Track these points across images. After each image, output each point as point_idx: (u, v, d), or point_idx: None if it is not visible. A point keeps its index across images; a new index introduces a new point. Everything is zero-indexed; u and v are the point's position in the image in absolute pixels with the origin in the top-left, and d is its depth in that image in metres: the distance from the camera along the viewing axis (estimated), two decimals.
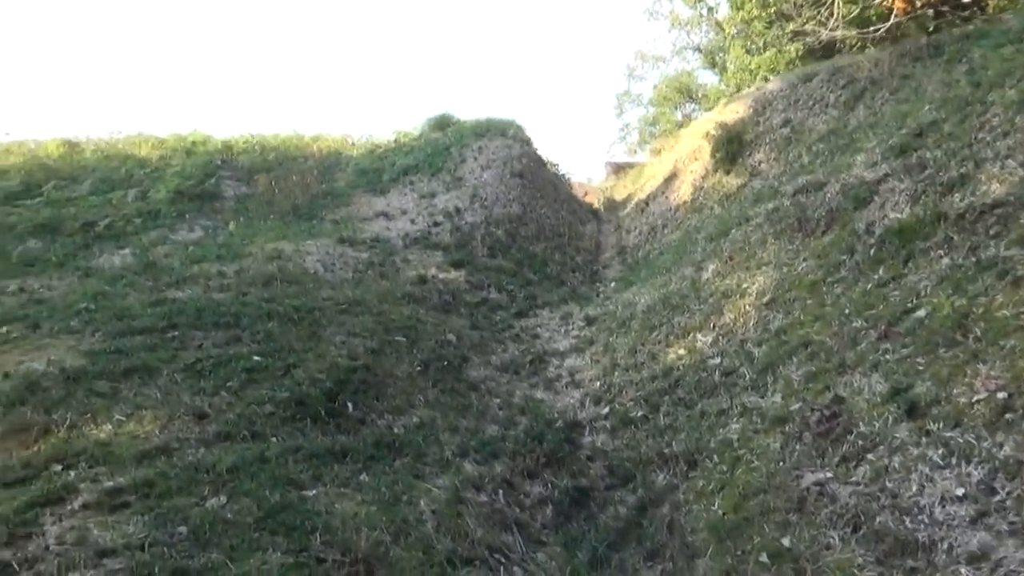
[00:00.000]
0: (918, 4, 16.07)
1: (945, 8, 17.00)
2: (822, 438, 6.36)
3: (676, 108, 45.51)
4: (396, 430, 7.48)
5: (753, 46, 36.63)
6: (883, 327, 7.07)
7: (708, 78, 41.50)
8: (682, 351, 9.24)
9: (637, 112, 46.34)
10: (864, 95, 13.72)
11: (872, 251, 8.42)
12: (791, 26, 22.88)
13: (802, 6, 23.20)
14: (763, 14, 25.12)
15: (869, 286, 7.91)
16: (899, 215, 8.64)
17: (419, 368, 9.07)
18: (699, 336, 9.31)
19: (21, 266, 11.94)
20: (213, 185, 17.73)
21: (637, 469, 7.51)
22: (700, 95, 44.24)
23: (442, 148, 19.72)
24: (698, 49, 42.50)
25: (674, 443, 7.65)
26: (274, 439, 6.74)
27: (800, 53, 25.31)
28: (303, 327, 9.30)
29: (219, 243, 13.68)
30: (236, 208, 16.90)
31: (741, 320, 9.05)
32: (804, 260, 9.40)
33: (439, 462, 7.01)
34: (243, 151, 20.89)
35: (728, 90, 37.27)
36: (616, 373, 9.57)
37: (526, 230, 16.04)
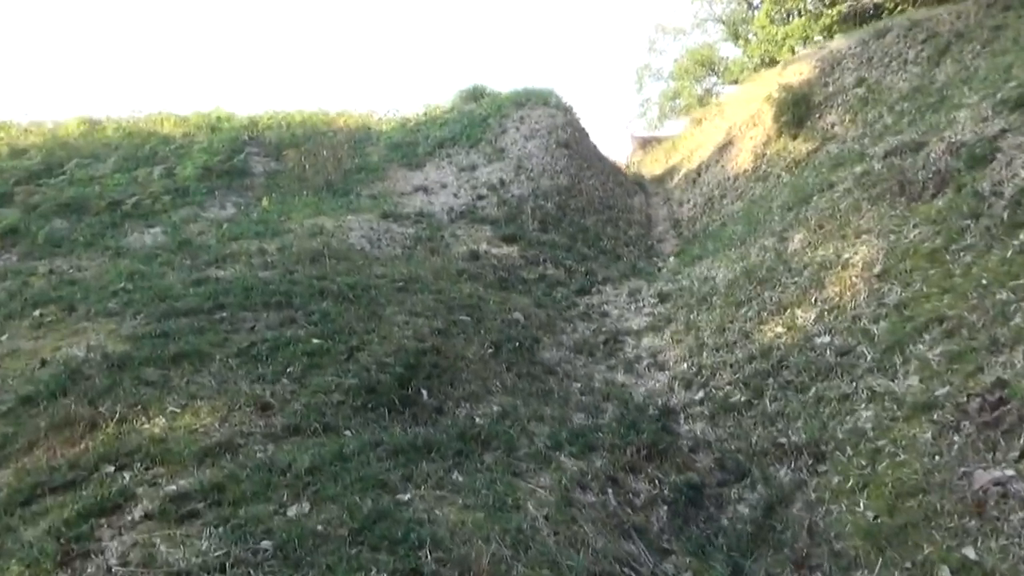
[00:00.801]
0: None
1: None
2: (989, 428, 5.43)
3: (698, 82, 44.37)
4: (478, 420, 6.62)
5: (777, 15, 35.48)
6: None
7: (730, 51, 40.18)
8: (780, 329, 8.32)
9: (658, 86, 45.23)
10: (950, 49, 12.63)
11: (1006, 214, 7.42)
12: None
13: None
14: None
15: (1009, 253, 6.94)
16: None
17: (490, 350, 8.21)
18: (799, 312, 8.37)
19: (48, 246, 11.17)
20: (242, 161, 16.90)
21: (751, 462, 6.63)
22: (722, 68, 43.03)
23: (479, 119, 18.75)
24: (720, 20, 41.26)
25: (791, 432, 6.76)
26: (348, 432, 5.92)
27: (836, 19, 24.18)
28: (361, 306, 8.46)
29: (254, 219, 12.85)
30: (267, 184, 16.08)
31: (849, 294, 8.09)
32: (915, 227, 8.41)
33: (533, 456, 6.16)
34: (268, 127, 20.04)
35: (751, 62, 36.11)
36: (704, 354, 8.67)
37: (576, 203, 15.10)
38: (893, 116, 12.10)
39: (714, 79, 44.35)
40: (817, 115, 14.08)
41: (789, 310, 8.52)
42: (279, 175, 16.59)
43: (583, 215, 14.89)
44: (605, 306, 10.71)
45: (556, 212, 14.48)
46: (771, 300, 8.91)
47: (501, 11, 77.81)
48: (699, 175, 17.52)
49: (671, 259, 14.01)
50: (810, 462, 6.33)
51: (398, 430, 6.09)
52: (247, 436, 5.68)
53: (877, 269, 8.13)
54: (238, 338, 7.44)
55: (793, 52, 32.36)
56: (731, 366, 8.22)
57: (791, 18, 34.61)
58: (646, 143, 36.81)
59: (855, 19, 24.10)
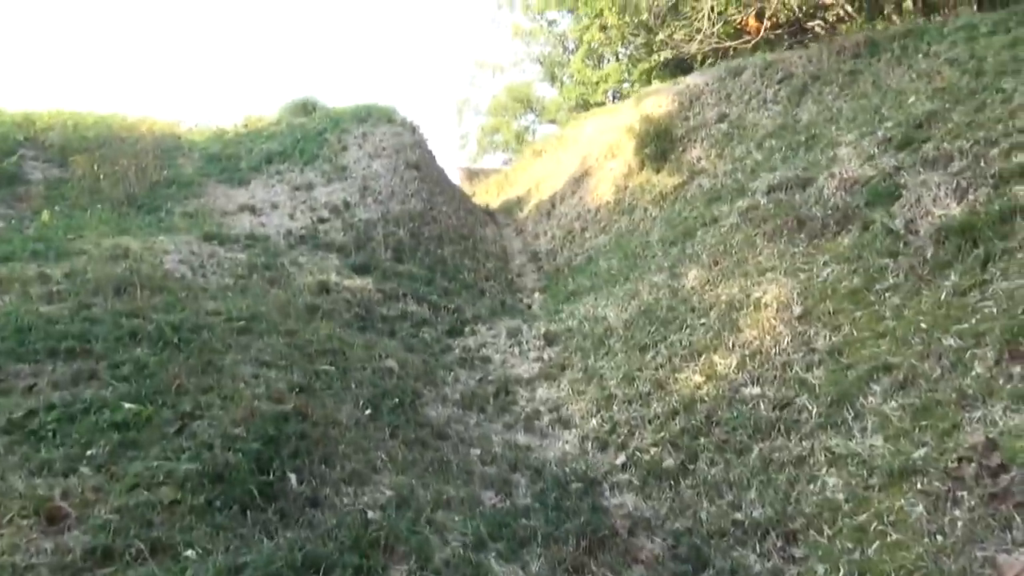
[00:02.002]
0: (767, 24, 17.83)
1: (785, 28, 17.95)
2: (997, 501, 4.64)
3: (516, 118, 45.31)
4: (372, 515, 4.89)
5: (592, 60, 36.81)
6: (1002, 346, 5.53)
7: (546, 91, 41.39)
8: (699, 377, 7.35)
9: (477, 120, 45.95)
10: (808, 90, 12.76)
11: (928, 253, 6.99)
12: (660, 36, 22.51)
13: (664, 19, 22.96)
14: (625, 24, 24.47)
15: (943, 295, 6.42)
16: (948, 211, 7.30)
17: (367, 411, 6.47)
18: (716, 358, 7.46)
19: None
20: (13, 165, 13.71)
21: (708, 546, 5.47)
22: (540, 107, 44.19)
23: (313, 134, 16.73)
24: (538, 61, 42.32)
25: (746, 505, 5.71)
26: (190, 552, 3.99)
27: (657, 64, 25.03)
28: (191, 354, 6.38)
29: (30, 236, 10.06)
30: (47, 194, 13.13)
31: (769, 338, 7.31)
32: (825, 265, 7.87)
33: (455, 564, 4.55)
34: (49, 128, 16.62)
35: (567, 103, 37.18)
36: (615, 407, 7.50)
37: (430, 230, 13.61)
38: (763, 152, 11.90)
39: (532, 116, 45.44)
40: (681, 148, 13.74)
41: (705, 355, 7.59)
42: (64, 184, 13.60)
43: (439, 244, 13.42)
44: (484, 350, 9.27)
45: (410, 240, 12.88)
46: (680, 344, 7.95)
47: (326, 28, 74.66)
48: (553, 206, 16.71)
49: (536, 295, 12.91)
50: (780, 544, 5.28)
51: (264, 542, 4.23)
52: (24, 571, 3.59)
53: (797, 310, 7.43)
54: (7, 404, 5.15)
55: (607, 96, 33.71)
56: (650, 422, 7.10)
57: (604, 63, 36.08)
58: (472, 175, 36.12)
59: (671, 68, 25.07)
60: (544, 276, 14.01)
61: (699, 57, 22.01)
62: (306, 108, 19.50)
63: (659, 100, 15.58)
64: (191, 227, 11.68)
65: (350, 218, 12.98)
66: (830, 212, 8.77)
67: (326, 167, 15.02)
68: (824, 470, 5.63)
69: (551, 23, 39.62)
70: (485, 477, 6.12)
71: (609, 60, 35.91)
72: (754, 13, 20.58)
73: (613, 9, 23.81)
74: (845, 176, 9.15)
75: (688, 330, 8.13)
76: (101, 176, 14.38)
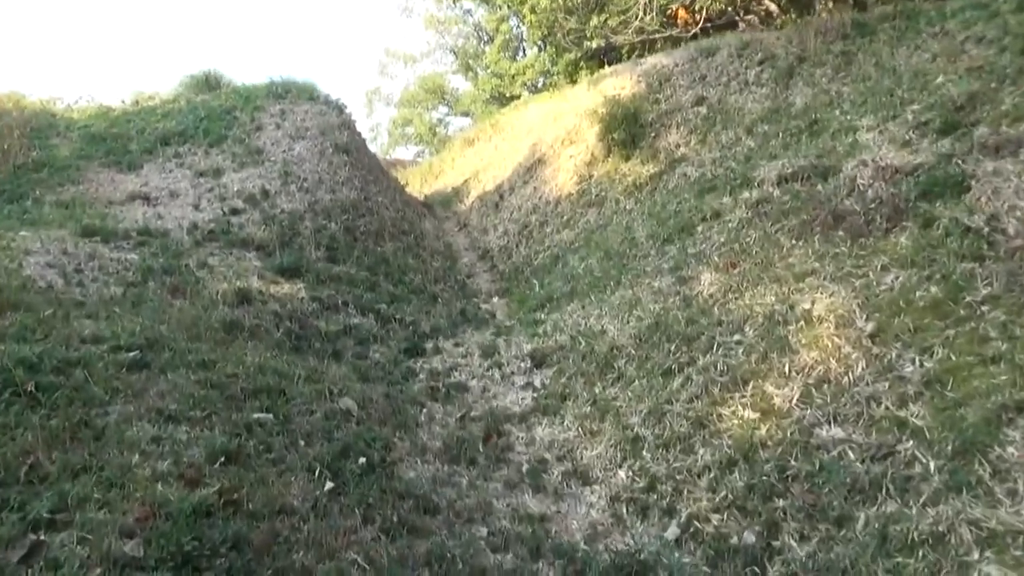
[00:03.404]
0: (697, 18, 17.58)
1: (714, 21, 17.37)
2: None
3: (428, 110, 43.84)
4: None
5: (508, 53, 35.36)
6: None
7: (460, 83, 39.96)
8: (751, 413, 5.72)
9: (388, 112, 44.29)
10: (796, 73, 11.45)
11: None
12: (594, 22, 21.17)
13: (594, 9, 21.72)
14: (557, 7, 23.00)
15: None
16: None
17: (326, 483, 4.47)
18: (769, 387, 5.84)
19: None
20: None
21: None
22: (453, 99, 42.71)
23: (220, 112, 14.27)
24: (452, 51, 40.79)
25: None
26: None
27: (583, 55, 23.69)
28: (56, 409, 4.22)
29: None
30: None
31: (836, 362, 5.75)
32: (885, 270, 6.41)
33: None
34: None
35: (482, 95, 35.69)
36: (645, 453, 5.77)
37: (367, 224, 11.51)
38: (755, 138, 10.48)
39: (445, 109, 43.86)
40: (652, 134, 12.18)
41: (753, 383, 5.96)
42: None
43: (379, 241, 11.35)
44: (456, 374, 7.35)
45: (345, 236, 10.77)
46: (716, 368, 6.30)
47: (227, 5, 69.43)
48: (501, 198, 14.87)
49: (495, 300, 11.06)
50: None
51: None
52: None
53: (866, 327, 5.90)
54: None
55: (524, 88, 32.31)
56: (700, 476, 5.40)
57: (520, 55, 34.68)
58: (389, 165, 34.02)
59: (597, 59, 23.75)
60: (500, 277, 12.18)
61: (625, 49, 20.88)
62: (209, 83, 16.90)
63: (620, 82, 14.00)
64: (65, 219, 9.22)
65: (270, 209, 10.75)
66: (872, 206, 7.35)
67: (237, 149, 12.66)
68: (976, 554, 4.07)
69: (466, 12, 38.00)
70: (502, 572, 4.26)
71: (526, 52, 34.61)
72: (684, 4, 19.77)
73: None
74: (881, 164, 7.76)
75: (721, 350, 6.48)
76: None
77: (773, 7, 17.27)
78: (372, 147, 30.93)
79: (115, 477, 3.79)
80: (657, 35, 19.44)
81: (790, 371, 5.92)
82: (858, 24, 11.85)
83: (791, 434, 5.37)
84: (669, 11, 19.94)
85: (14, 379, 4.37)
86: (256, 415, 5.00)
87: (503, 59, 33.82)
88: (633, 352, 6.96)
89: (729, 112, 11.44)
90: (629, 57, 19.29)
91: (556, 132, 14.62)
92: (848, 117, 9.47)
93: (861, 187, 7.68)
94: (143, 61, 65.42)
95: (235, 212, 10.55)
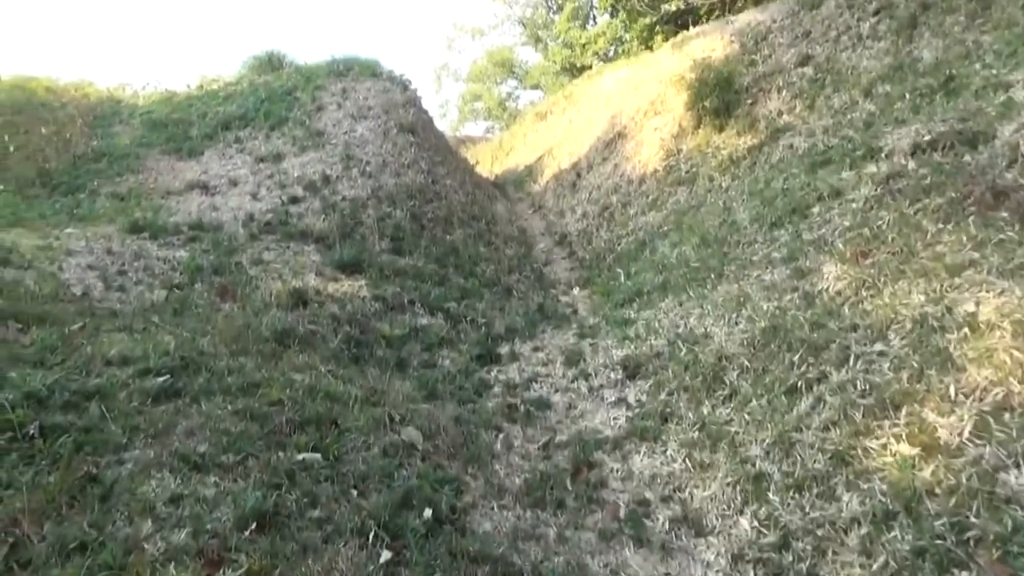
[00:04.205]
0: None
1: None
2: None
3: (498, 84, 43.06)
4: None
5: (578, 21, 33.79)
6: None
7: (530, 55, 38.77)
8: (908, 448, 4.54)
9: (456, 87, 43.74)
10: (920, 23, 9.87)
11: None
12: None
13: None
14: None
15: None
16: None
17: (385, 555, 3.59)
18: (930, 414, 4.64)
19: None
20: None
21: None
22: (522, 72, 41.71)
23: (281, 93, 13.61)
24: (520, 23, 39.64)
25: None
26: None
27: (660, 18, 22.03)
28: (59, 460, 3.47)
29: None
30: None
31: (1021, 383, 4.51)
32: None
33: None
34: None
35: (553, 67, 34.30)
36: (772, 496, 4.69)
37: (434, 211, 10.63)
38: (875, 102, 9.04)
39: (514, 83, 42.94)
40: (749, 100, 10.83)
41: (906, 408, 4.76)
42: None
43: (447, 228, 10.46)
44: (535, 386, 6.39)
45: (411, 224, 9.91)
46: (855, 387, 5.12)
47: None
48: (579, 176, 13.76)
49: (576, 291, 10.03)
50: None
51: None
52: None
53: None
54: None
55: (595, 59, 30.79)
56: (845, 530, 4.29)
57: (591, 24, 33.11)
58: (459, 143, 33.25)
59: (673, 24, 22.04)
60: (580, 265, 11.14)
61: (704, 9, 19.21)
62: (272, 64, 16.34)
63: (709, 43, 12.61)
64: (117, 213, 8.66)
65: (331, 196, 9.98)
66: None
67: (298, 132, 11.95)
68: None
69: None
70: None
71: (596, 20, 33.11)
72: None
73: None
74: None
75: (860, 363, 5.29)
76: (11, 147, 11.27)
77: None
78: (441, 124, 30.12)
79: (116, 558, 2.99)
80: None
81: (956, 394, 4.70)
82: None
83: (967, 479, 4.18)
84: None
85: (13, 422, 3.62)
86: (302, 455, 4.16)
87: (573, 28, 32.61)
88: (746, 363, 5.83)
89: (841, 72, 9.98)
90: (708, 18, 17.80)
91: (637, 102, 13.36)
92: (994, 72, 7.98)
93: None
94: (213, 44, 66.33)
95: (294, 200, 9.82)
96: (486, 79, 42.18)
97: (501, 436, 5.38)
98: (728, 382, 5.74)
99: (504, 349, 7.23)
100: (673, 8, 20.78)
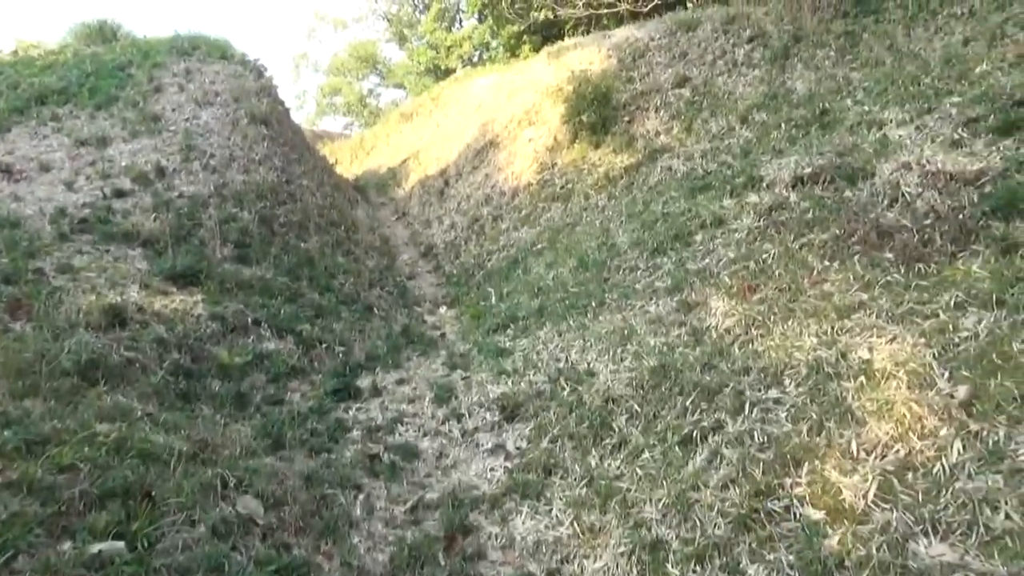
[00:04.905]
0: None
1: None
2: None
3: (359, 79, 42.12)
4: None
5: (444, 23, 33.44)
6: None
7: (394, 52, 38.05)
8: (814, 511, 4.18)
9: (316, 79, 42.32)
10: (793, 54, 10.00)
11: None
12: None
13: None
14: None
15: None
16: None
17: None
18: (832, 471, 4.32)
19: None
20: None
21: None
22: (386, 69, 40.99)
23: (113, 68, 11.93)
24: (385, 18, 38.85)
25: None
26: None
27: (525, 29, 21.99)
28: None
29: None
30: None
31: (921, 439, 4.28)
32: (962, 309, 4.99)
33: None
34: None
35: (417, 67, 33.74)
36: (672, 569, 4.17)
37: (288, 213, 9.52)
38: (752, 129, 9.00)
39: (377, 79, 42.04)
40: (627, 118, 10.57)
41: (807, 464, 4.43)
42: None
43: (301, 234, 9.39)
44: (401, 428, 5.58)
45: (260, 228, 8.78)
46: (751, 437, 4.75)
47: None
48: (447, 184, 13.03)
49: (444, 310, 9.30)
50: None
51: None
52: None
53: (958, 391, 4.43)
54: None
55: (459, 63, 30.49)
56: None
57: (457, 26, 32.79)
58: (316, 139, 31.74)
59: (541, 34, 22.04)
60: (447, 281, 10.42)
61: (569, 24, 19.29)
62: (104, 34, 14.46)
63: (586, 55, 12.31)
64: None
65: (166, 192, 8.66)
66: (928, 221, 5.93)
67: (129, 114, 10.42)
68: None
69: None
70: None
71: (463, 24, 32.80)
72: None
73: None
74: (930, 168, 6.36)
75: (757, 412, 4.93)
76: None
77: None
78: (297, 117, 28.34)
79: None
80: (605, 10, 18.07)
81: (858, 450, 4.41)
82: (858, 1, 10.50)
83: (877, 549, 3.85)
84: None
85: None
86: (98, 546, 3.15)
87: (439, 29, 32.09)
88: (636, 407, 5.34)
89: (718, 96, 9.92)
90: (575, 32, 17.78)
91: (511, 110, 12.85)
92: (866, 108, 8.08)
93: (907, 196, 6.27)
94: (37, 5, 59.48)
95: (120, 194, 8.43)
96: (347, 73, 40.87)
97: (361, 497, 4.54)
98: (617, 428, 5.22)
99: (365, 381, 6.36)
100: (542, 18, 20.58)
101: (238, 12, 62.10)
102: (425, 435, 5.51)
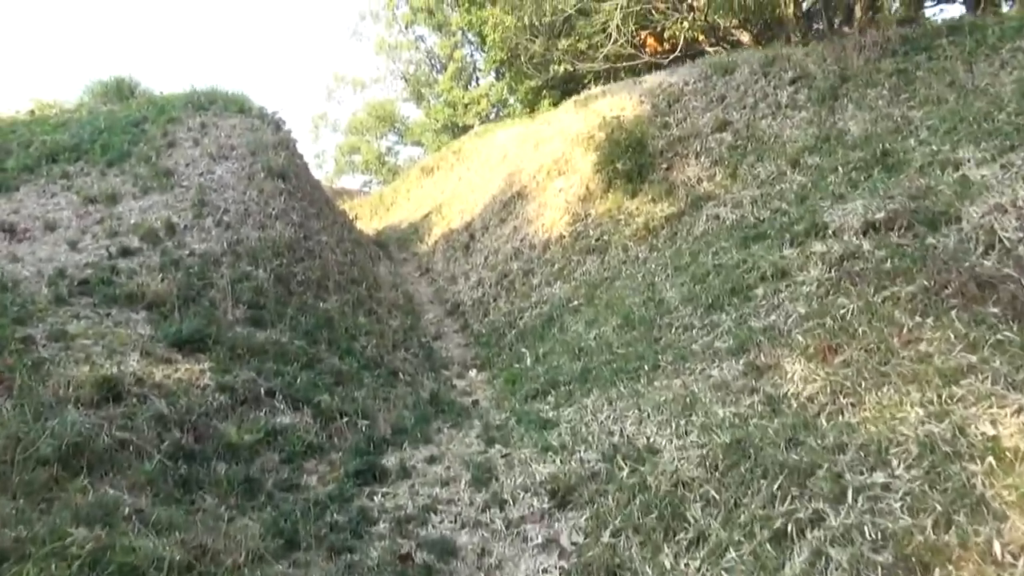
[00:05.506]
0: (667, 46, 16.89)
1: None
2: None
3: (377, 138, 42.27)
4: None
5: (462, 81, 33.58)
6: None
7: (411, 110, 38.26)
8: None
9: (335, 138, 42.48)
10: (842, 94, 9.38)
11: None
12: (562, 45, 19.27)
13: (560, 32, 19.96)
14: (522, 28, 21.04)
15: None
16: None
17: None
18: None
19: None
20: None
21: None
22: (403, 127, 41.16)
23: (127, 123, 11.55)
24: (403, 78, 39.09)
25: None
26: None
27: (547, 82, 21.77)
28: None
29: None
30: None
31: None
32: None
33: None
34: None
35: (435, 124, 33.80)
36: None
37: (305, 271, 8.90)
38: (805, 173, 8.31)
39: (395, 137, 42.24)
40: (664, 165, 9.95)
41: (938, 571, 3.59)
42: None
43: (320, 294, 8.75)
44: (434, 519, 4.78)
45: (276, 288, 8.14)
46: (861, 532, 3.90)
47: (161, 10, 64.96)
48: (472, 238, 12.42)
49: (474, 374, 8.55)
50: None
51: None
52: None
53: None
54: None
55: (477, 119, 30.48)
56: None
57: (474, 84, 32.91)
58: (335, 195, 31.43)
59: (560, 88, 21.81)
60: (476, 341, 9.69)
61: (589, 78, 19.07)
62: (121, 91, 14.17)
63: (616, 102, 11.79)
64: None
65: (176, 250, 8.07)
66: None
67: (141, 170, 9.95)
68: None
69: (419, 38, 36.45)
70: None
71: (479, 82, 32.98)
72: (653, 32, 18.26)
73: (514, 11, 20.24)
74: None
75: (863, 500, 4.10)
76: None
77: (745, 37, 15.59)
78: (316, 175, 28.14)
79: None
80: (624, 63, 17.81)
81: (1002, 552, 3.57)
82: (907, 39, 9.93)
83: None
84: (638, 38, 18.41)
85: None
86: None
87: (456, 88, 32.26)
88: (712, 492, 4.52)
89: (763, 140, 9.28)
90: (591, 87, 17.50)
91: (539, 160, 12.29)
92: (934, 147, 7.38)
93: (1007, 242, 5.51)
94: (58, 66, 60.73)
95: (126, 253, 7.84)
96: (366, 132, 41.12)
97: None
98: (692, 519, 4.39)
99: (391, 459, 5.59)
100: (561, 71, 20.32)
101: (258, 75, 63.30)
102: (463, 527, 4.70)
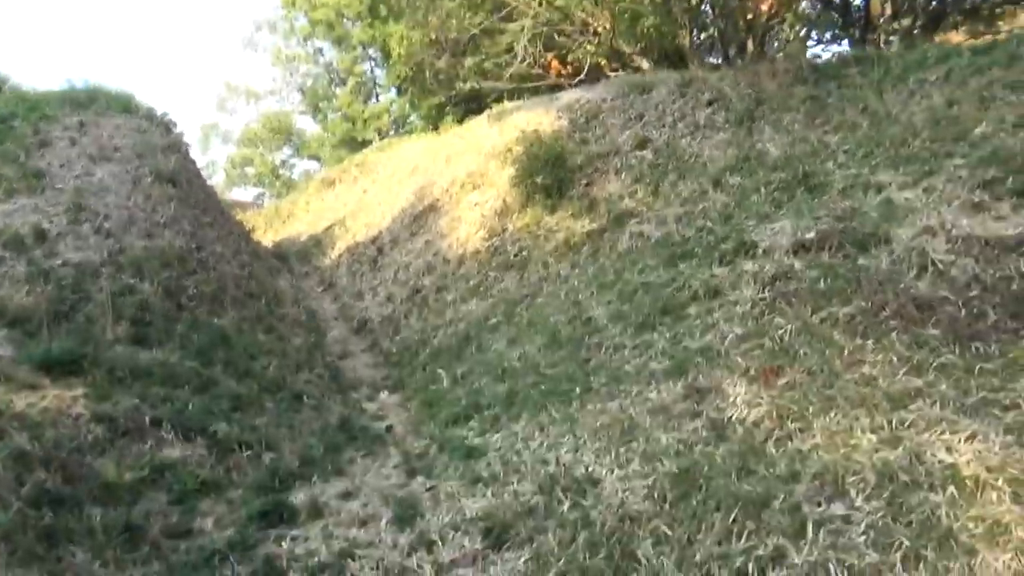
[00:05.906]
0: (570, 69, 16.91)
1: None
2: None
3: (272, 151, 40.84)
4: None
5: (361, 96, 33.07)
6: None
7: (308, 123, 37.27)
8: None
9: (226, 150, 40.65)
10: (758, 117, 9.46)
11: None
12: (468, 63, 19.13)
13: (466, 50, 19.89)
14: (427, 45, 20.75)
15: None
16: None
17: None
18: None
19: None
20: None
21: None
22: (300, 140, 40.04)
23: None
24: (301, 91, 38.04)
25: None
26: None
27: (448, 100, 21.59)
28: None
29: None
30: None
31: None
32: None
33: None
34: None
35: (332, 138, 33.06)
36: None
37: (198, 284, 8.03)
38: (728, 192, 8.27)
39: (290, 150, 40.96)
40: (584, 181, 9.72)
41: None
42: None
43: (215, 309, 7.92)
44: (352, 566, 4.18)
45: (164, 303, 7.28)
46: (825, 571, 3.63)
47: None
48: (380, 252, 11.78)
49: (385, 396, 7.93)
50: None
51: None
52: None
53: None
54: None
55: (376, 134, 30.01)
56: None
57: (373, 100, 32.41)
58: (227, 207, 29.83)
59: (462, 107, 21.65)
60: (386, 361, 9.08)
61: (492, 98, 18.99)
62: None
63: (533, 117, 11.52)
64: None
65: (46, 260, 7.10)
66: (974, 293, 5.15)
67: (7, 170, 8.79)
68: None
69: (318, 51, 35.50)
70: None
71: (379, 98, 32.51)
72: (557, 55, 18.42)
73: (419, 28, 19.85)
74: (958, 233, 5.64)
75: (824, 535, 3.84)
76: None
77: (645, 63, 15.90)
78: None
79: None
80: (530, 83, 17.80)
81: None
82: (817, 68, 10.19)
83: None
84: (543, 60, 18.47)
85: None
86: None
87: (356, 102, 31.58)
88: (663, 528, 4.15)
89: (683, 159, 9.22)
90: (494, 106, 17.40)
91: (452, 174, 11.84)
92: (853, 171, 7.45)
93: (939, 264, 5.50)
94: None
95: None
96: (259, 144, 39.47)
97: None
98: (643, 559, 3.99)
99: (299, 496, 4.93)
100: (467, 88, 20.05)
101: (144, 83, 59.75)
102: (386, 574, 4.12)
